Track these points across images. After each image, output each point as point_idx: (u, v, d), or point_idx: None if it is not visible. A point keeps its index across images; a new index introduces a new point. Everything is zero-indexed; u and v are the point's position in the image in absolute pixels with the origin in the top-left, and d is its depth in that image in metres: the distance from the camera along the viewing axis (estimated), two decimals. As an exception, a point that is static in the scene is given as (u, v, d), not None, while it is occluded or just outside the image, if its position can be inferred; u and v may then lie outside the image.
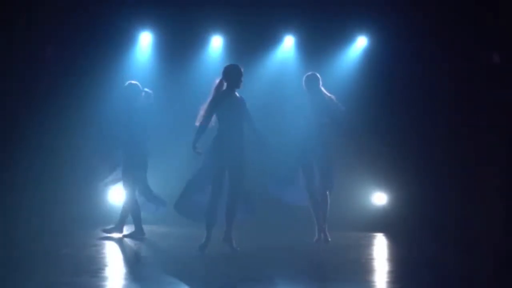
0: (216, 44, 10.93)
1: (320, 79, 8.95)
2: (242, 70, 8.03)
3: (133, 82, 9.28)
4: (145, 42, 10.93)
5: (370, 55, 10.82)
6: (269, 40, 10.87)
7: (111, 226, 9.28)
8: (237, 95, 8.05)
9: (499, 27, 10.32)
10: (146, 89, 9.26)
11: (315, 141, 8.84)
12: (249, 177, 8.13)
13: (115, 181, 9.37)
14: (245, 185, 8.03)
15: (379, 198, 10.78)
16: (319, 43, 10.71)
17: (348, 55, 10.92)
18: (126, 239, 9.07)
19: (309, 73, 9.05)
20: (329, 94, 8.93)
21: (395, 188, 10.68)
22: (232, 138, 7.96)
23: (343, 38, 10.84)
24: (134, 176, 9.11)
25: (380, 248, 9.05)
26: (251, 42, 10.62)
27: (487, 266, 7.61)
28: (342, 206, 10.07)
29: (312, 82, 8.94)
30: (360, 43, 10.91)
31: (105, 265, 7.25)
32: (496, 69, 10.46)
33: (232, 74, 8.00)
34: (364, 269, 7.34)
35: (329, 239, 8.86)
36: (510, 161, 10.40)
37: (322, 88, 8.94)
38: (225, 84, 8.03)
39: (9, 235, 8.96)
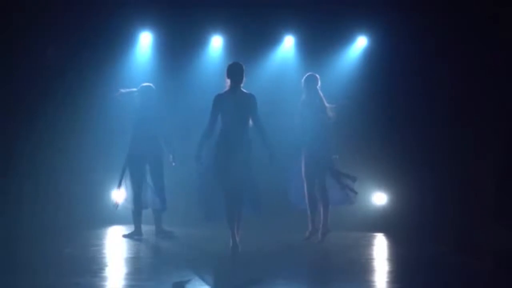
0: (216, 44, 10.93)
1: (319, 80, 9.00)
2: (243, 66, 8.05)
3: (146, 84, 9.36)
4: (145, 42, 10.93)
5: (370, 55, 10.82)
6: (269, 40, 10.87)
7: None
8: (245, 92, 8.05)
9: (499, 27, 10.32)
10: (144, 84, 9.36)
11: (314, 142, 8.87)
12: (256, 174, 8.10)
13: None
14: (252, 183, 8.00)
15: (379, 198, 10.78)
16: (319, 43, 10.71)
17: (348, 55, 10.93)
18: (125, 239, 9.08)
19: (309, 73, 9.09)
20: (321, 96, 8.99)
21: (395, 188, 10.69)
22: (233, 136, 7.93)
23: (343, 38, 10.84)
24: (137, 174, 9.15)
25: (380, 248, 9.06)
26: (251, 42, 10.62)
27: (487, 266, 7.61)
28: (342, 206, 10.07)
29: (311, 82, 8.99)
30: (360, 43, 10.91)
31: (106, 265, 7.26)
32: (497, 69, 10.46)
33: (231, 72, 8.03)
34: (364, 269, 7.34)
35: (323, 241, 8.90)
36: (510, 161, 10.41)
37: (319, 90, 8.99)
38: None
39: (10, 235, 8.97)
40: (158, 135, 9.29)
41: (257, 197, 8.02)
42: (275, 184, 9.41)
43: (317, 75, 9.05)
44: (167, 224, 9.65)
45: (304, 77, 9.09)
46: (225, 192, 7.93)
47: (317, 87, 9.01)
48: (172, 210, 9.81)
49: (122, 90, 9.35)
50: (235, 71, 8.02)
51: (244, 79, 8.05)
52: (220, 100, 7.98)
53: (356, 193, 9.13)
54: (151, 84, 9.41)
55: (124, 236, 9.24)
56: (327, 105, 8.99)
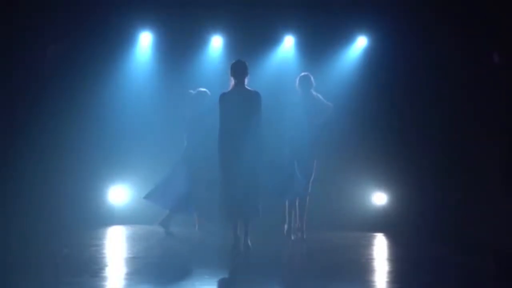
0: (216, 44, 10.92)
1: (313, 81, 9.02)
2: (246, 64, 8.04)
3: (201, 89, 9.40)
4: (145, 42, 10.92)
5: (370, 55, 10.82)
6: (269, 40, 10.86)
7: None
8: (249, 89, 8.04)
9: (500, 26, 10.32)
10: (201, 89, 9.39)
11: (303, 142, 8.90)
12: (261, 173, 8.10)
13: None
14: (255, 183, 7.99)
15: (379, 198, 10.78)
16: (319, 43, 10.70)
17: (348, 55, 10.92)
18: (125, 239, 9.09)
19: (303, 73, 9.12)
20: (315, 93, 9.01)
21: (395, 188, 10.68)
22: (238, 134, 7.92)
23: (343, 38, 10.83)
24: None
25: (380, 248, 9.06)
26: (251, 42, 10.61)
27: (487, 266, 7.61)
28: (342, 206, 10.07)
29: (305, 82, 9.01)
30: (360, 43, 10.91)
31: (105, 265, 7.26)
32: (498, 68, 10.46)
33: (234, 70, 8.05)
34: (364, 269, 7.34)
35: (304, 237, 8.98)
36: (511, 161, 10.40)
37: (312, 91, 9.00)
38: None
39: (9, 235, 8.96)
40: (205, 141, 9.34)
41: (257, 197, 8.01)
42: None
43: (311, 76, 9.07)
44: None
45: (298, 77, 9.12)
46: (229, 190, 7.93)
47: (311, 88, 9.03)
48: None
49: (192, 91, 9.37)
50: (237, 69, 8.05)
51: (248, 76, 8.06)
52: (224, 98, 7.99)
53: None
54: (204, 89, 9.48)
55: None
56: (319, 106, 9.02)
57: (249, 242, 7.98)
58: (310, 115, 8.93)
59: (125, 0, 10.54)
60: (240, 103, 7.94)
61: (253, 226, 8.14)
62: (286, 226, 9.13)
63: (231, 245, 7.96)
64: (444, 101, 10.62)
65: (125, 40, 10.77)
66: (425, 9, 10.39)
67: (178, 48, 10.78)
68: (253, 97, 7.99)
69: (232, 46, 10.75)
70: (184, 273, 6.87)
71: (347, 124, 10.40)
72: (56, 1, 10.41)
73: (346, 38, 10.86)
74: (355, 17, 10.65)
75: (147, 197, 9.44)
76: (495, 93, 10.47)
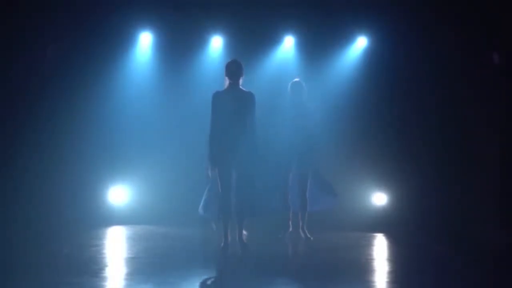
0: (216, 44, 10.93)
1: (305, 87, 9.03)
2: (241, 64, 8.00)
3: None
4: (145, 42, 10.92)
5: (370, 55, 10.83)
6: (269, 40, 10.87)
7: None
8: (243, 90, 8.02)
9: (500, 26, 10.33)
10: None
11: (294, 149, 8.92)
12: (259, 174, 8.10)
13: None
14: (254, 183, 7.98)
15: (379, 198, 10.78)
16: (319, 43, 10.71)
17: (348, 55, 10.93)
18: (125, 240, 9.08)
19: (295, 80, 9.13)
20: (305, 105, 9.02)
21: (395, 188, 10.69)
22: (230, 135, 7.91)
23: (343, 38, 10.84)
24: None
25: (380, 248, 9.06)
26: (251, 42, 10.62)
27: (487, 266, 7.62)
28: (342, 206, 10.07)
29: (296, 88, 9.02)
30: (360, 43, 10.91)
31: (105, 265, 7.26)
32: (498, 68, 10.47)
33: (228, 70, 8.02)
34: (364, 269, 7.34)
35: (310, 237, 9.04)
36: (511, 160, 10.41)
37: (302, 97, 9.03)
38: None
39: (10, 236, 8.97)
40: None
41: (252, 197, 8.01)
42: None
43: (303, 83, 9.08)
44: (165, 225, 9.66)
45: (290, 83, 9.13)
46: (221, 190, 7.93)
47: (301, 94, 9.03)
48: (171, 210, 9.85)
49: None
50: (232, 69, 8.00)
51: (242, 76, 8.02)
52: (218, 97, 7.96)
53: (335, 195, 9.21)
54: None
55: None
56: (311, 111, 9.05)
57: (244, 239, 7.98)
58: (296, 120, 8.95)
59: (125, 0, 10.54)
60: (234, 103, 7.90)
61: (251, 226, 8.15)
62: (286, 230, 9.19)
63: (221, 246, 7.95)
64: (444, 101, 10.62)
65: (125, 40, 10.78)
66: (425, 9, 10.40)
67: (178, 48, 10.79)
68: (247, 97, 7.95)
69: (232, 46, 10.75)
70: (184, 273, 6.86)
71: (347, 124, 10.42)
72: (56, 1, 10.41)
73: (346, 38, 10.87)
74: (355, 17, 10.66)
75: (203, 210, 9.29)
76: (495, 93, 10.47)
